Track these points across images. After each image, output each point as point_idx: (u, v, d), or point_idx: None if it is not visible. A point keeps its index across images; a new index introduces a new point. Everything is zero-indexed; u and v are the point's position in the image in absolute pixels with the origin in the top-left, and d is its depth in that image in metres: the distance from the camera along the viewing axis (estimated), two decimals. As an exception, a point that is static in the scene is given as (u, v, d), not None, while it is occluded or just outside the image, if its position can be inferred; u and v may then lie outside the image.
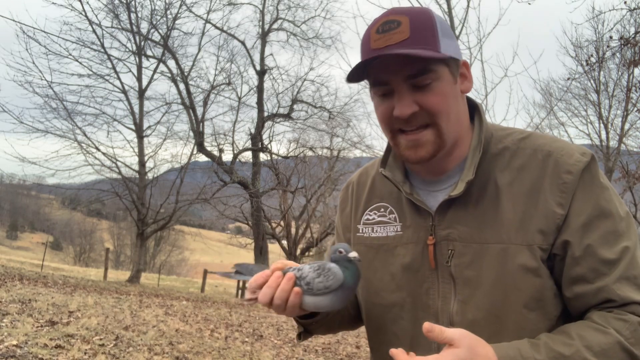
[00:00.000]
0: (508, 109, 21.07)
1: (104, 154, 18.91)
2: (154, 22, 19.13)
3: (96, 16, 19.06)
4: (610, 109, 16.62)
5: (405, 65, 0.99)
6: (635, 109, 15.29)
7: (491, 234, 1.01)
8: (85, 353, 5.36)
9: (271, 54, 22.10)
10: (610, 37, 10.52)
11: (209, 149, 20.16)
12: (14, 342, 5.13)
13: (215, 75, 20.37)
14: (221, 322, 9.87)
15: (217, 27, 20.28)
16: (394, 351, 0.90)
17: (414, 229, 1.10)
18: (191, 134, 19.84)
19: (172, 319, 9.04)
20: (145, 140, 19.72)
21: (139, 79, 19.69)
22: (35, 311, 7.10)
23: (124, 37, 19.85)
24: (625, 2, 8.37)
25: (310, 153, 22.07)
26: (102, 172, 19.48)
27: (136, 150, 19.60)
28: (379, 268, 1.14)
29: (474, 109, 1.14)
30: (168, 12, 19.12)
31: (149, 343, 6.46)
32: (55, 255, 54.09)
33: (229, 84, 20.64)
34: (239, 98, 20.92)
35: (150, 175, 19.94)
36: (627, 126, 16.41)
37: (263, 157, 21.90)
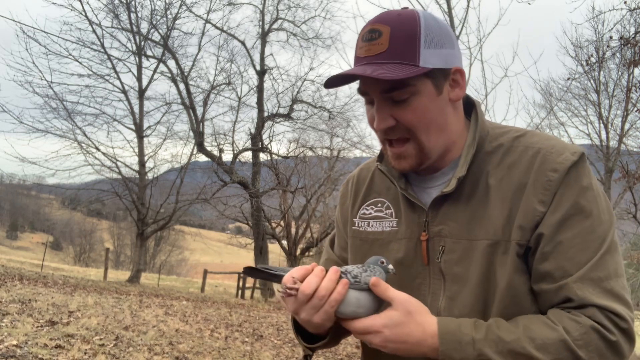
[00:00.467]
0: (508, 109, 21.09)
1: (104, 154, 18.96)
2: (154, 22, 19.15)
3: (96, 16, 19.08)
4: (610, 109, 16.64)
5: (380, 79, 0.98)
6: (635, 109, 15.28)
7: (480, 230, 1.02)
8: (85, 353, 5.36)
9: (271, 54, 22.09)
10: (610, 37, 10.51)
11: (209, 149, 20.17)
12: (14, 342, 5.13)
13: (215, 75, 20.38)
14: (221, 322, 9.88)
15: (217, 27, 20.29)
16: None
17: (408, 224, 1.11)
18: (191, 134, 19.85)
19: (172, 319, 9.04)
20: (145, 140, 19.74)
21: (139, 79, 19.70)
22: (35, 311, 7.10)
23: (124, 37, 19.89)
24: (625, 2, 8.36)
25: (310, 153, 22.05)
26: (102, 172, 19.55)
27: (136, 150, 19.64)
28: None
29: (472, 107, 1.14)
30: (168, 12, 19.15)
31: (149, 343, 6.46)
32: (55, 255, 54.09)
33: (229, 84, 20.64)
34: (239, 98, 20.93)
35: (150, 175, 20.00)
36: (627, 126, 16.44)
37: (263, 157, 21.89)
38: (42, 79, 18.19)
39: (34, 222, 79.25)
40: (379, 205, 1.19)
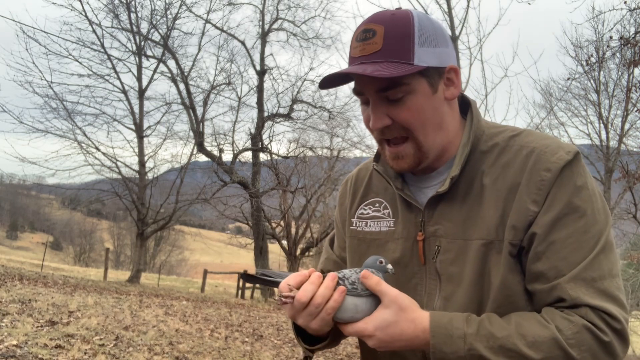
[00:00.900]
0: (508, 109, 21.14)
1: (104, 154, 18.93)
2: (154, 22, 19.13)
3: (96, 16, 19.05)
4: (610, 109, 16.62)
5: (375, 78, 0.97)
6: (635, 109, 15.28)
7: (474, 230, 1.02)
8: (85, 353, 5.36)
9: (271, 54, 22.10)
10: (610, 37, 10.52)
11: (209, 149, 20.16)
12: (14, 342, 5.13)
13: (215, 75, 20.35)
14: (221, 322, 9.88)
15: (217, 27, 20.28)
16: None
17: (405, 224, 1.11)
18: (191, 134, 19.83)
19: (172, 319, 9.04)
20: (145, 140, 19.72)
21: (139, 79, 19.69)
22: (35, 311, 7.10)
23: (124, 37, 19.86)
24: (625, 2, 8.37)
25: (310, 153, 22.04)
26: (102, 172, 19.52)
27: (136, 150, 19.62)
28: None
29: (468, 106, 1.13)
30: (168, 12, 19.13)
31: (149, 343, 6.46)
32: (55, 255, 54.07)
33: (229, 84, 20.62)
34: (239, 98, 20.92)
35: (150, 175, 19.96)
36: (627, 126, 16.41)
37: (263, 157, 21.88)
38: (42, 79, 18.18)
39: (34, 222, 79.24)
40: (377, 205, 1.19)
